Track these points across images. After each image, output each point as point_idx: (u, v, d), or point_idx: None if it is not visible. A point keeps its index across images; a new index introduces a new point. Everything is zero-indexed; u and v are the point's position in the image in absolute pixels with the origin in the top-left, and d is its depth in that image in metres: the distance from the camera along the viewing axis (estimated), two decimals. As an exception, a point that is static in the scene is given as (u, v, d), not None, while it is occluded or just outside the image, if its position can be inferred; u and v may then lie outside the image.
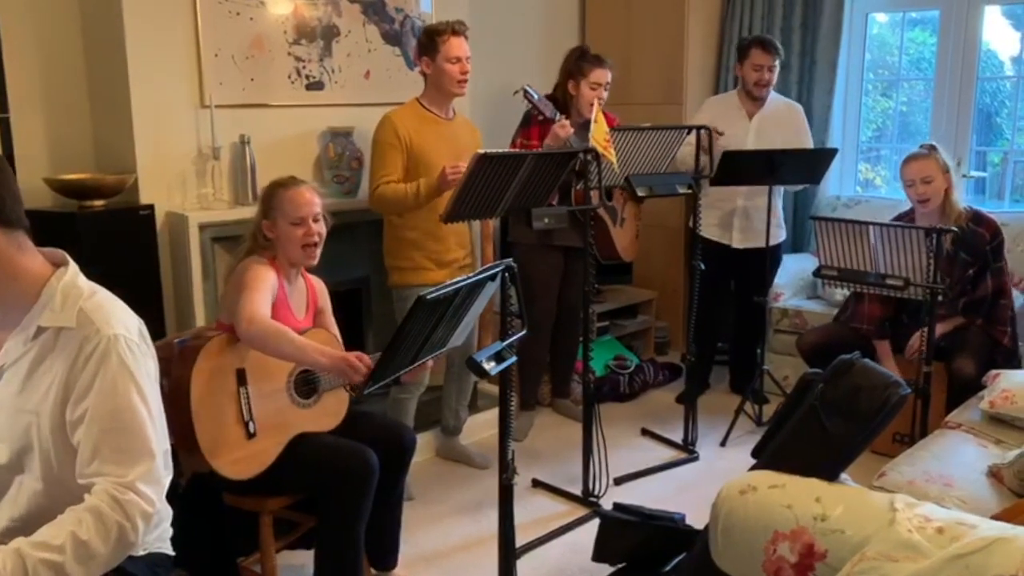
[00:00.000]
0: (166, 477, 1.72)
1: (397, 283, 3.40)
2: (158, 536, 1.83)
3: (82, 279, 1.73)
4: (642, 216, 4.13)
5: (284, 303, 2.52)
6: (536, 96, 3.49)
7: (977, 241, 3.39)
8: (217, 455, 2.30)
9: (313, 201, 2.56)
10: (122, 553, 1.61)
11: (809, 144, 4.23)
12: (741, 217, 4.18)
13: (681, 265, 4.83)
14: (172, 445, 1.80)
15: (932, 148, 3.44)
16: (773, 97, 4.18)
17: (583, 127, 3.67)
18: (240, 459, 2.34)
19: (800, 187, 4.32)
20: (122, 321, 1.67)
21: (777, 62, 4.06)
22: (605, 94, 3.70)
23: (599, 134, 3.58)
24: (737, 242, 4.20)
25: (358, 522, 2.39)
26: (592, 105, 3.65)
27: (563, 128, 3.48)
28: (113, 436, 1.61)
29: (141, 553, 1.76)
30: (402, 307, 3.40)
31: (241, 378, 2.37)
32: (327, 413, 2.54)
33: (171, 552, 1.88)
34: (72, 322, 1.64)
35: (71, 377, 1.63)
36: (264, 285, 2.43)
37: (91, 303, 1.67)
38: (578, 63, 3.73)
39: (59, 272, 1.70)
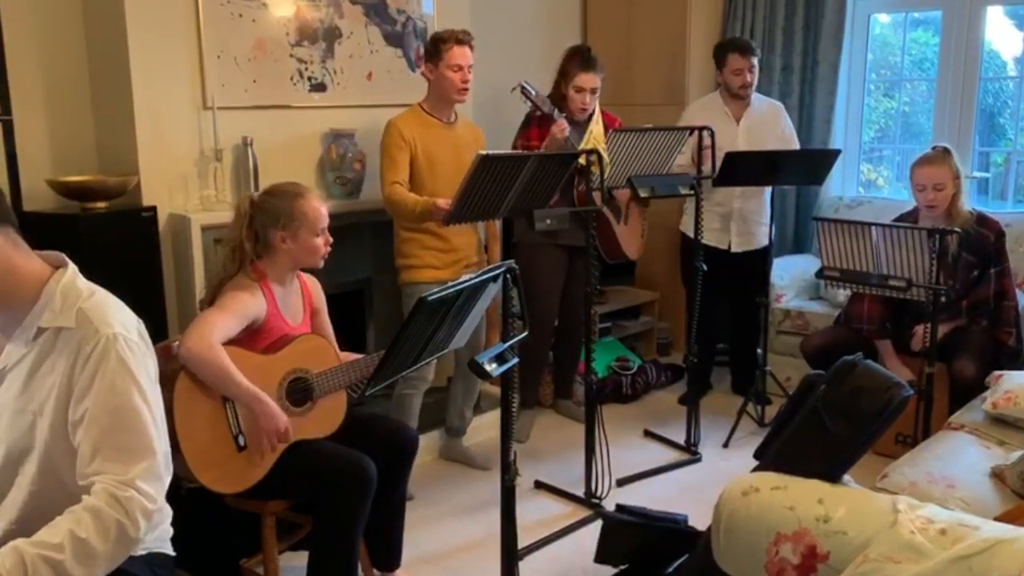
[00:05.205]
0: (167, 476, 1.72)
1: (404, 280, 3.44)
2: (158, 536, 1.83)
3: (81, 280, 1.73)
4: (646, 216, 4.12)
5: (277, 315, 2.47)
6: (533, 92, 3.50)
7: (982, 242, 3.39)
8: (206, 471, 2.27)
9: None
10: (124, 551, 1.61)
11: (795, 141, 4.26)
12: (738, 220, 4.19)
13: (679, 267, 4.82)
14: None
15: (946, 151, 3.41)
16: (756, 97, 4.20)
17: (576, 125, 3.68)
18: (231, 473, 2.31)
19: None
20: (121, 321, 1.68)
21: (755, 60, 4.08)
22: (589, 99, 3.67)
23: (600, 134, 3.59)
24: (736, 245, 4.21)
25: (354, 530, 2.37)
26: (582, 109, 3.67)
27: (561, 130, 3.49)
28: (113, 435, 1.61)
29: (141, 553, 1.76)
30: (408, 303, 3.43)
31: None
32: (323, 418, 2.49)
33: (171, 552, 1.87)
34: (71, 322, 1.65)
35: (72, 378, 1.63)
36: (240, 312, 2.36)
37: (90, 303, 1.67)
38: (567, 64, 3.73)
39: (58, 273, 1.70)
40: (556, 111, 3.56)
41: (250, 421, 2.35)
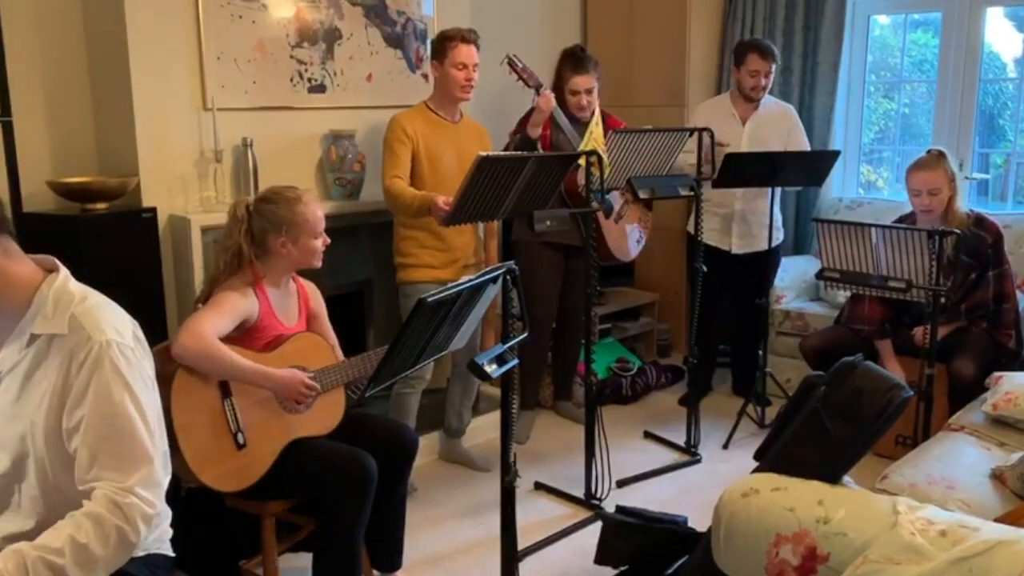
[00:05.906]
0: (165, 478, 1.72)
1: (402, 279, 3.45)
2: (157, 537, 1.83)
3: (73, 284, 1.72)
4: (648, 224, 4.10)
5: (270, 315, 2.48)
6: (520, 64, 3.49)
7: (979, 244, 3.39)
8: (207, 470, 2.27)
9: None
10: (124, 555, 1.62)
11: (805, 142, 4.23)
12: (739, 222, 4.18)
13: (683, 268, 4.82)
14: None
15: (941, 155, 3.41)
16: (765, 100, 4.18)
17: (577, 124, 3.67)
18: (231, 471, 2.31)
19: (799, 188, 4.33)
20: (114, 326, 1.67)
21: (774, 67, 4.06)
22: (586, 99, 3.68)
23: (600, 136, 3.59)
24: (736, 247, 4.20)
25: (356, 528, 2.37)
26: (580, 109, 3.67)
27: (546, 100, 3.47)
28: (110, 442, 1.62)
29: (140, 554, 1.76)
30: (406, 303, 3.44)
31: (225, 389, 2.33)
32: (323, 415, 2.49)
33: (171, 553, 1.88)
34: (64, 328, 1.64)
35: (65, 385, 1.62)
36: (231, 311, 2.37)
37: (82, 308, 1.66)
38: (560, 68, 3.73)
39: (50, 278, 1.69)
40: (542, 85, 3.55)
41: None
